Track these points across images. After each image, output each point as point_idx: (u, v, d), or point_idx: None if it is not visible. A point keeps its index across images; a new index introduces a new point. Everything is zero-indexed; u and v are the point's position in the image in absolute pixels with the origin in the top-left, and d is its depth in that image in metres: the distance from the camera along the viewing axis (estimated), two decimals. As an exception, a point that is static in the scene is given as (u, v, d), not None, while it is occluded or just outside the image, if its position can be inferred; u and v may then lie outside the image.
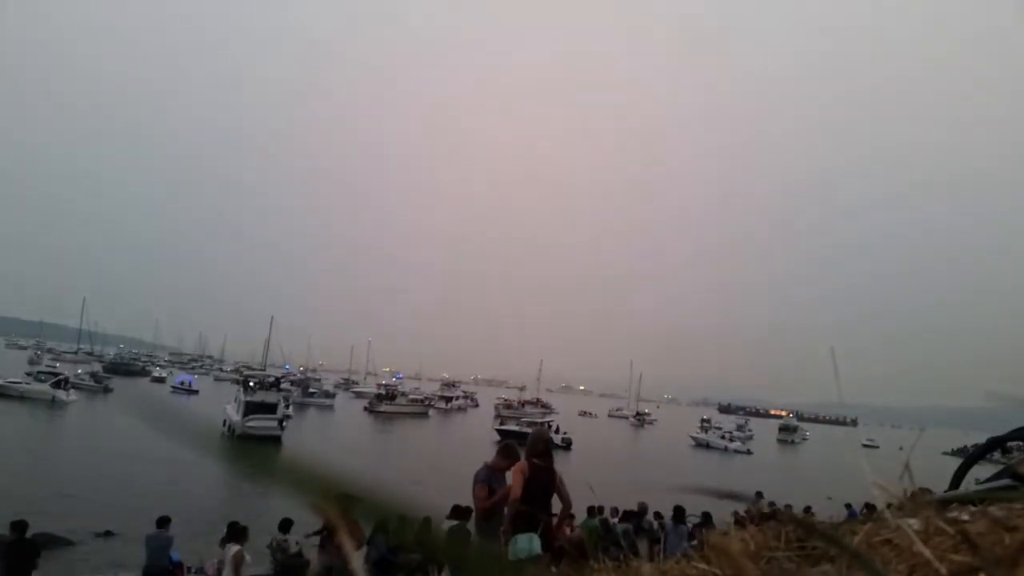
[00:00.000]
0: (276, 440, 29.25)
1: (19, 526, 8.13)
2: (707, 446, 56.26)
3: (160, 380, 71.30)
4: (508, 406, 69.58)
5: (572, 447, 42.48)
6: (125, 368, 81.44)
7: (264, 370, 54.91)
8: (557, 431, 44.75)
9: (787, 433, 78.69)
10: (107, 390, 50.16)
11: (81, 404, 40.11)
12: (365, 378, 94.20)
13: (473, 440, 44.52)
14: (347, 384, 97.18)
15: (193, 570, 10.03)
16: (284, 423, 32.27)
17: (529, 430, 49.46)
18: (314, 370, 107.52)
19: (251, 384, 35.63)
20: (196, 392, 58.65)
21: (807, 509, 12.79)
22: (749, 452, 54.56)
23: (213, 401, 43.30)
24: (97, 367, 71.95)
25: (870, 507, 3.89)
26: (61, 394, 39.36)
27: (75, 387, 42.72)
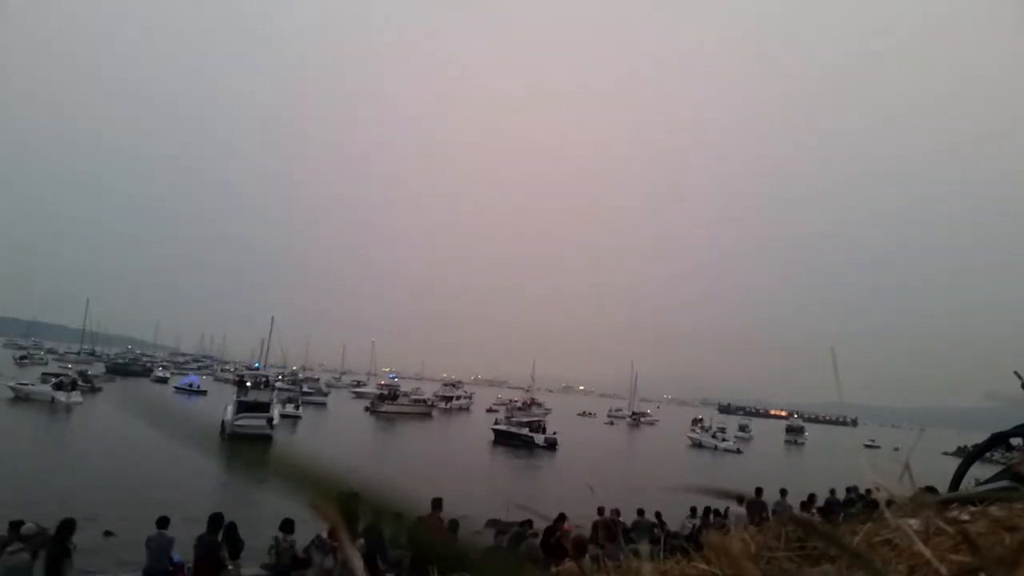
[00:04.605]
0: (267, 439, 29.22)
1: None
2: (700, 445, 57.36)
3: (162, 380, 70.93)
4: (514, 407, 69.63)
5: (557, 448, 42.29)
6: (126, 369, 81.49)
7: (259, 370, 54.89)
8: (544, 431, 44.98)
9: (794, 434, 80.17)
10: (95, 389, 49.32)
11: (83, 405, 39.85)
12: (368, 378, 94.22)
13: (472, 440, 44.58)
14: (355, 385, 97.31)
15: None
16: (274, 422, 32.43)
17: (518, 429, 48.40)
18: (305, 368, 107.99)
19: (246, 383, 35.85)
20: (204, 393, 58.20)
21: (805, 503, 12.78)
22: (739, 451, 55.81)
23: (220, 402, 43.31)
24: (100, 368, 71.93)
25: (870, 505, 3.89)
26: (61, 395, 39.21)
27: (72, 387, 42.16)
